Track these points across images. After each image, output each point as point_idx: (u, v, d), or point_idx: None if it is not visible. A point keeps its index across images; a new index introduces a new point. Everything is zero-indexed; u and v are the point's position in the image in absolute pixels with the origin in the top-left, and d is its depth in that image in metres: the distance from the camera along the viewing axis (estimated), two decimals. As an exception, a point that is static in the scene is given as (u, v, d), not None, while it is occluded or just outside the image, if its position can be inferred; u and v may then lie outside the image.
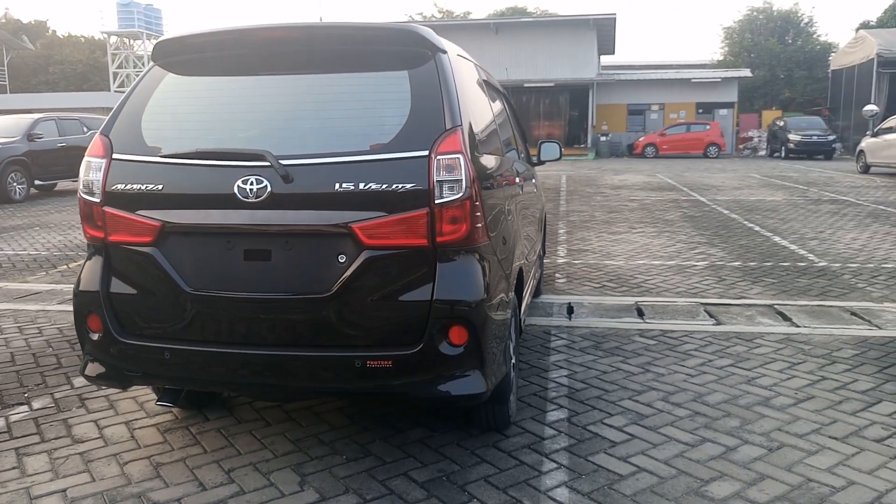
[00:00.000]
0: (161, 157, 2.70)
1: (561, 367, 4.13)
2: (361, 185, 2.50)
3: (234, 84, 2.90)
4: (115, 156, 2.76)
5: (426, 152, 2.53)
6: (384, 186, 2.50)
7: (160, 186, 2.67)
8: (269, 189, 2.54)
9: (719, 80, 32.62)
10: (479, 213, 2.62)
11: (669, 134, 30.60)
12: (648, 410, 3.46)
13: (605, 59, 38.60)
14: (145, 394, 3.74)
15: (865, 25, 38.89)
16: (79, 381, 3.96)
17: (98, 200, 2.76)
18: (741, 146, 33.03)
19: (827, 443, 3.07)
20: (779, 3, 41.53)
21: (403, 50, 2.74)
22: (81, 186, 2.82)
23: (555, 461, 2.95)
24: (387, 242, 2.51)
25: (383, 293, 2.56)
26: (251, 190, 2.55)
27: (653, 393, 3.69)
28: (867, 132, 21.42)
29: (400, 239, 2.51)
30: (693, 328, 4.91)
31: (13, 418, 3.47)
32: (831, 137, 27.47)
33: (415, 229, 2.50)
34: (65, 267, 7.47)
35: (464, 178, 2.53)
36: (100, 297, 2.77)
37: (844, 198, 13.11)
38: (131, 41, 45.84)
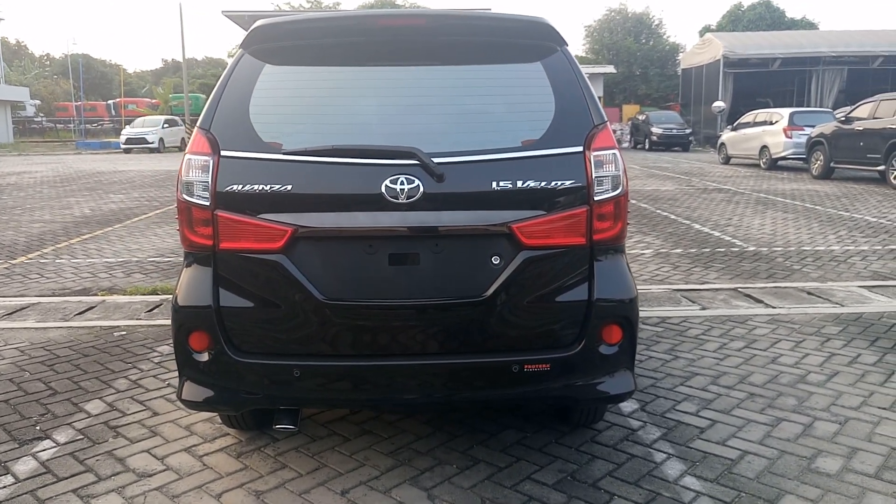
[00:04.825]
0: (285, 154, 2.44)
1: (596, 359, 4.20)
2: (520, 183, 2.41)
3: (357, 75, 2.66)
4: (223, 153, 2.45)
5: (580, 148, 2.48)
6: (542, 184, 2.43)
7: (289, 187, 2.40)
8: (421, 189, 2.38)
9: (588, 75, 34.22)
10: (627, 211, 2.61)
11: (544, 127, 31.80)
12: (708, 395, 3.61)
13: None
14: (184, 416, 3.38)
15: (707, 29, 42.59)
16: (94, 408, 3.50)
17: (206, 203, 2.44)
18: (606, 139, 35.05)
19: (881, 413, 3.36)
20: (633, 6, 44.55)
21: (533, 43, 2.65)
22: (182, 188, 2.48)
23: (661, 451, 3.01)
24: (546, 242, 2.44)
25: (540, 294, 2.48)
26: (402, 190, 2.37)
27: (699, 378, 3.85)
28: (727, 126, 23.46)
29: (559, 238, 2.45)
30: (685, 314, 5.17)
31: (44, 456, 3.00)
32: (688, 131, 29.83)
33: (575, 227, 2.45)
34: (-30, 278, 6.54)
35: (621, 173, 2.51)
36: (211, 311, 2.46)
37: (726, 187, 14.32)
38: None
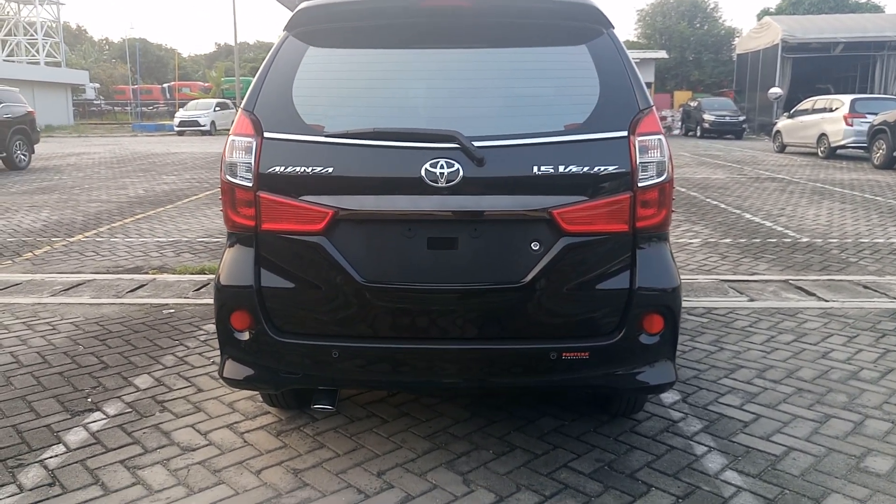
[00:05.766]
0: (327, 136, 2.45)
1: (638, 349, 4.14)
2: (561, 168, 2.37)
3: (400, 57, 2.65)
4: (266, 134, 2.48)
5: (625, 133, 2.42)
6: (585, 169, 2.38)
7: (330, 169, 2.42)
8: (461, 173, 2.36)
9: (638, 60, 33.68)
10: (673, 198, 2.55)
11: (592, 113, 31.28)
12: (754, 388, 3.52)
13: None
14: (227, 393, 3.46)
15: (765, 12, 41.17)
16: (142, 382, 3.61)
17: (249, 185, 2.48)
18: (656, 125, 34.33)
19: (938, 413, 3.23)
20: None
21: (577, 25, 2.60)
22: (225, 169, 2.52)
23: (702, 444, 2.95)
24: (587, 228, 2.40)
25: (579, 282, 2.45)
26: (441, 174, 2.36)
27: (745, 371, 3.76)
28: (784, 114, 22.67)
29: (601, 224, 2.41)
30: (733, 305, 5.04)
31: (94, 427, 3.11)
32: (741, 118, 28.94)
33: (617, 214, 2.40)
34: (30, 254, 6.80)
35: (666, 159, 2.45)
36: (252, 291, 2.50)
37: (780, 176, 13.87)
38: (20, 6, 42.06)
